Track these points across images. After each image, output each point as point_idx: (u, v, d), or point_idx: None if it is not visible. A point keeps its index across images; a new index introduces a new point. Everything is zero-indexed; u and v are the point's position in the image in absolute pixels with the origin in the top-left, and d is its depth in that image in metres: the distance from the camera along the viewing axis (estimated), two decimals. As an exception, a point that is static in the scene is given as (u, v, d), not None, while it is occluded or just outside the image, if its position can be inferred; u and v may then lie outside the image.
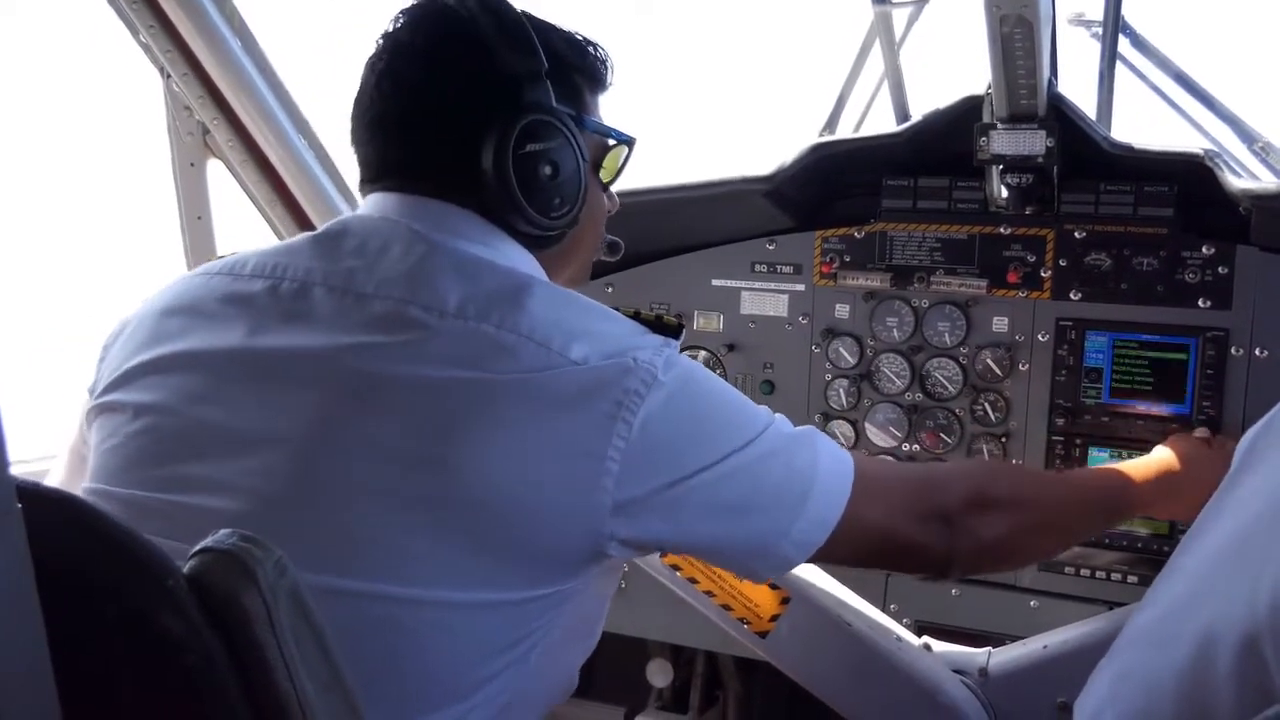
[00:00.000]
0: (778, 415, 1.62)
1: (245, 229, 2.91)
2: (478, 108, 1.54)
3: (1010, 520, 1.78)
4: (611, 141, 1.74)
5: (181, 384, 1.50)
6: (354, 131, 1.66)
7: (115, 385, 1.55)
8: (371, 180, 1.65)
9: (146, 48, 2.62)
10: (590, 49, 1.69)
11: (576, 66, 1.66)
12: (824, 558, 1.63)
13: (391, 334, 1.42)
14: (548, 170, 1.57)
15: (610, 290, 2.98)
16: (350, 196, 2.80)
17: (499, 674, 1.46)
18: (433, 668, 1.41)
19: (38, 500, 0.98)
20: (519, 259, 1.59)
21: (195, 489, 1.40)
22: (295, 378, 1.44)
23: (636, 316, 1.53)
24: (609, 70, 1.72)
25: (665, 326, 1.52)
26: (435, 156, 1.59)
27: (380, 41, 1.63)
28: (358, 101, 1.64)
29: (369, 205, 1.63)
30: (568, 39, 1.66)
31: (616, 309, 1.53)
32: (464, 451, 1.35)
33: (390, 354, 1.41)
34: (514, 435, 1.36)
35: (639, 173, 2.81)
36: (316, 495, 1.39)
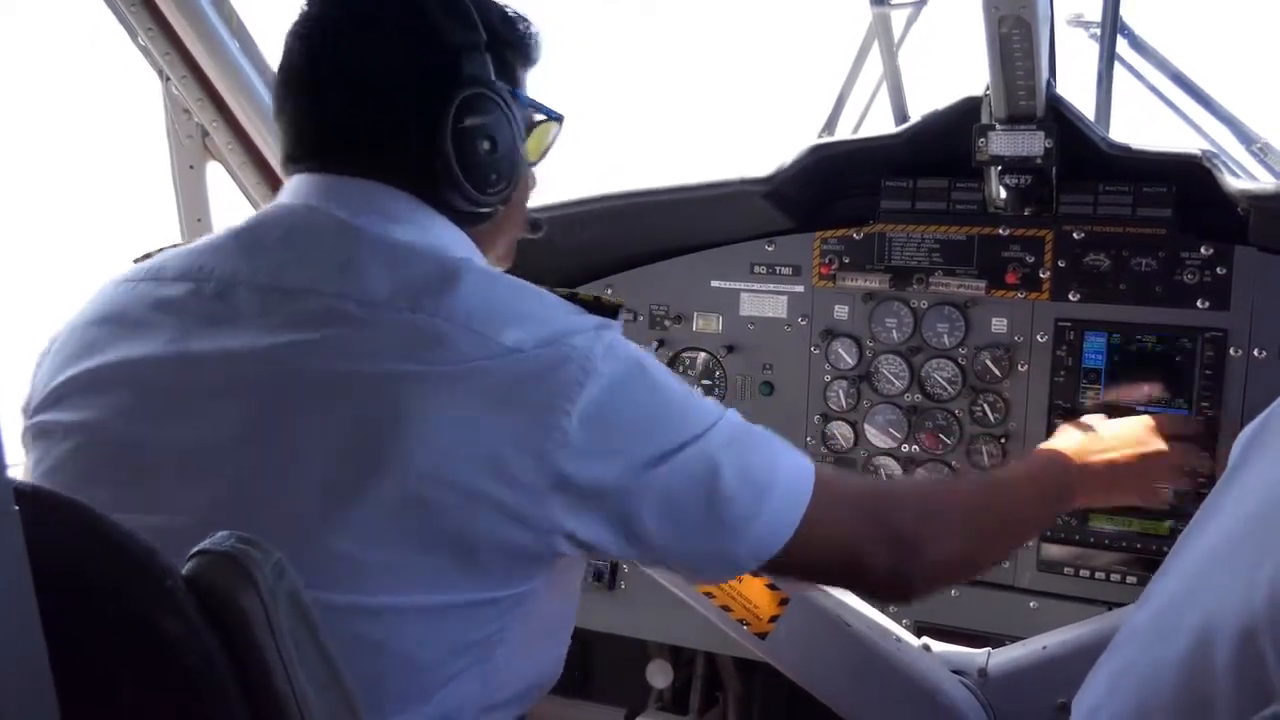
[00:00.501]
0: (729, 410, 1.58)
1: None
2: (414, 80, 1.51)
3: (961, 535, 1.76)
4: (540, 118, 1.71)
5: (111, 400, 1.45)
6: (277, 105, 1.59)
7: (45, 405, 1.51)
8: (295, 159, 1.59)
9: (145, 50, 2.62)
10: (522, 24, 1.65)
11: (510, 41, 1.62)
12: (776, 569, 1.59)
13: (323, 329, 1.38)
14: (486, 145, 1.53)
15: (610, 291, 2.98)
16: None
17: (460, 674, 1.43)
18: (388, 671, 1.38)
19: (36, 502, 0.98)
20: (450, 238, 1.55)
21: (135, 508, 1.32)
22: (226, 383, 1.40)
23: (573, 298, 1.50)
24: (538, 46, 1.68)
25: (603, 307, 1.49)
26: (364, 132, 1.54)
27: (306, 7, 1.58)
28: (281, 71, 1.58)
29: (291, 190, 1.57)
30: (501, 12, 1.63)
31: (552, 290, 1.51)
32: (404, 447, 1.32)
33: (324, 351, 1.37)
34: (453, 429, 1.33)
35: (639, 174, 2.82)
36: (256, 505, 1.35)
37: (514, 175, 1.60)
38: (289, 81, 1.58)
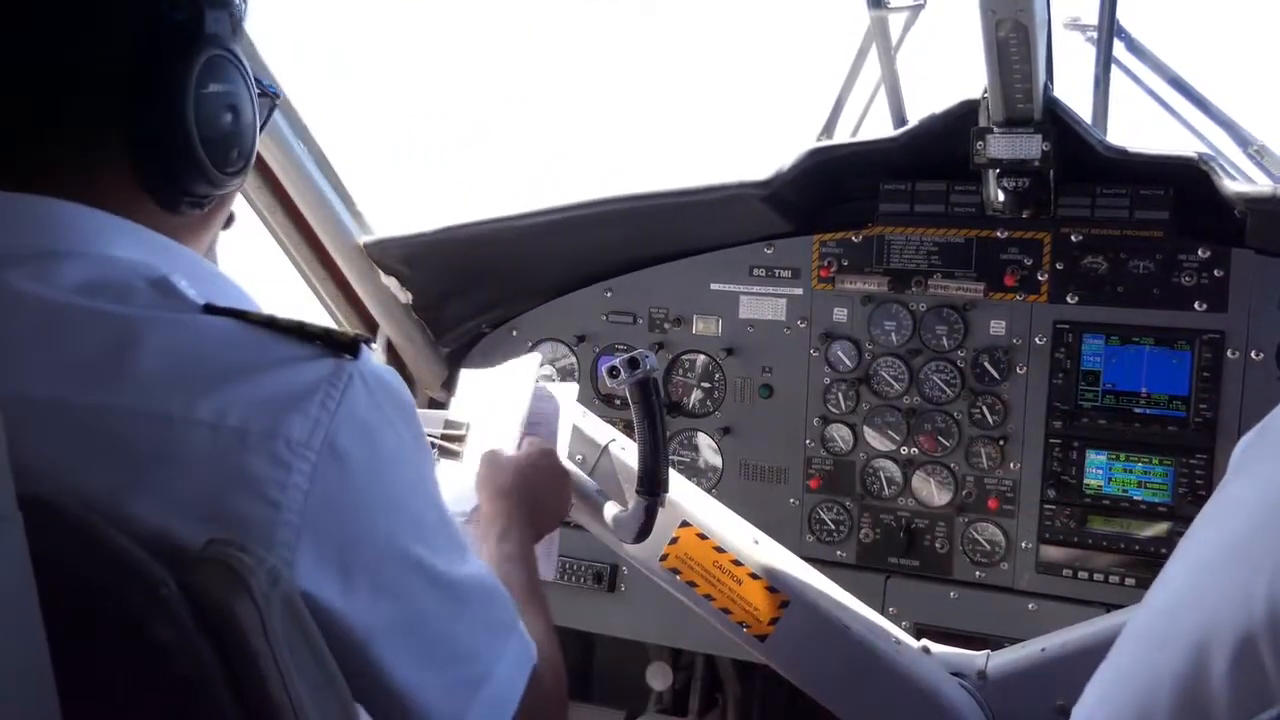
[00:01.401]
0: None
1: (247, 235, 2.91)
2: (147, 38, 1.25)
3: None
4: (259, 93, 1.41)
5: None
6: None
7: None
8: None
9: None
10: None
11: (227, 3, 1.35)
12: None
13: None
14: (229, 117, 1.30)
15: (609, 295, 2.99)
16: (352, 202, 2.80)
17: None
18: None
19: (36, 508, 0.98)
20: (140, 245, 1.25)
21: None
22: None
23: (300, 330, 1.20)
24: (244, 15, 1.41)
25: (337, 342, 1.19)
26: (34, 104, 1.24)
27: None
28: None
29: None
30: None
31: (275, 320, 1.19)
32: None
33: None
34: None
35: (638, 176, 2.83)
36: None
37: (251, 154, 1.36)
38: None
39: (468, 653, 1.30)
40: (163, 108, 1.24)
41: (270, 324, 1.17)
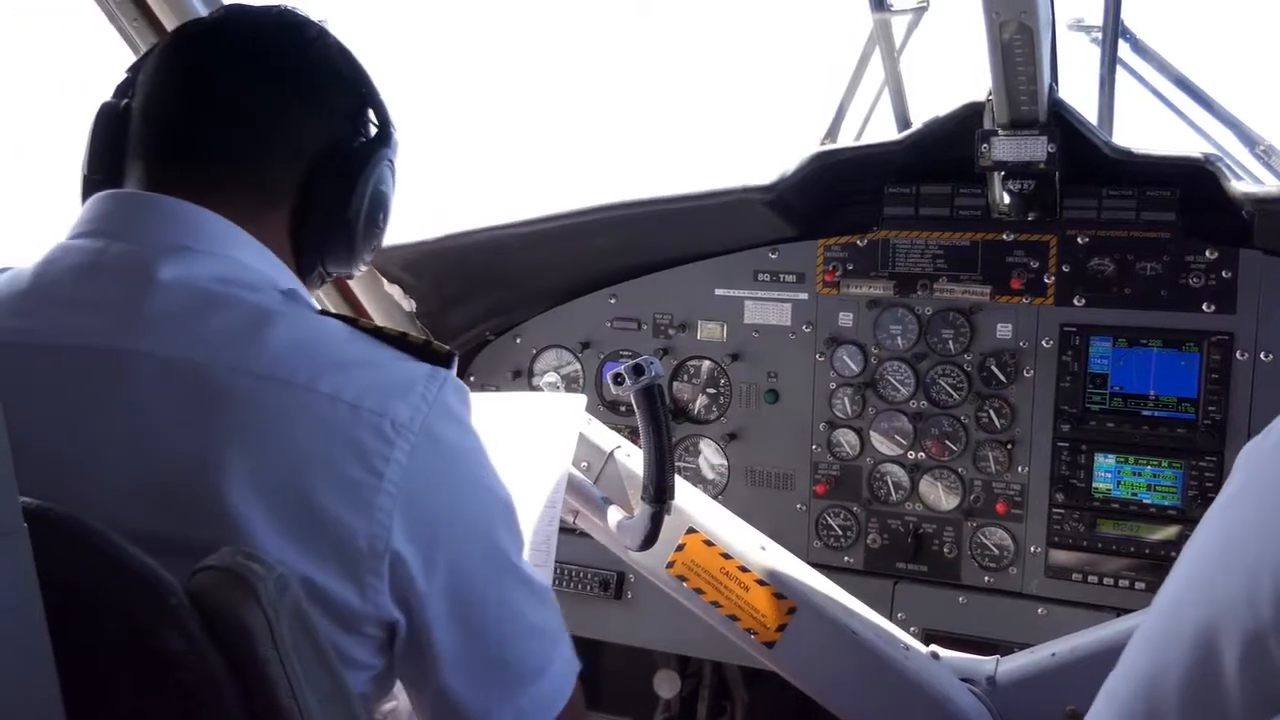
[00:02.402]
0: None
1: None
2: (354, 132, 1.51)
3: None
4: None
5: None
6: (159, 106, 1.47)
7: None
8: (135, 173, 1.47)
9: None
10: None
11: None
12: None
13: None
14: (382, 216, 1.57)
15: (614, 301, 2.98)
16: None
17: None
18: None
19: (42, 520, 0.98)
20: (267, 261, 1.45)
21: None
22: None
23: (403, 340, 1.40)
24: None
25: (434, 352, 1.40)
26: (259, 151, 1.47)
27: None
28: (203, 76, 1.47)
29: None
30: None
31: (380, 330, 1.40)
32: None
33: None
34: None
35: (643, 183, 2.82)
36: None
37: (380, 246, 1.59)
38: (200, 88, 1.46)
39: (527, 649, 1.42)
40: (345, 192, 1.45)
41: (377, 331, 1.38)
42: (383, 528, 1.26)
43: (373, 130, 1.52)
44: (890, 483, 2.81)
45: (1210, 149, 2.76)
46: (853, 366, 2.79)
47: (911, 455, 2.78)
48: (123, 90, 1.51)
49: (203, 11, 2.26)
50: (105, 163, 1.48)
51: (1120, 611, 2.53)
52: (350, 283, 2.86)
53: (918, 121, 2.65)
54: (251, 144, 1.43)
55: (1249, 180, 2.77)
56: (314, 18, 1.53)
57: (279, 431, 1.25)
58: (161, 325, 1.29)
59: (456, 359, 1.41)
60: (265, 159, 1.43)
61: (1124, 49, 3.06)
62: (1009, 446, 2.68)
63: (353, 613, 1.27)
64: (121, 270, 1.34)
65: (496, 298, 3.06)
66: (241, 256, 1.38)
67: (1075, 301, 2.59)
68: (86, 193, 1.47)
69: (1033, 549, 2.68)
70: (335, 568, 1.25)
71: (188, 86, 1.45)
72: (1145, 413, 2.55)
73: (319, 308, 1.43)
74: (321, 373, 1.28)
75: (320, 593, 1.24)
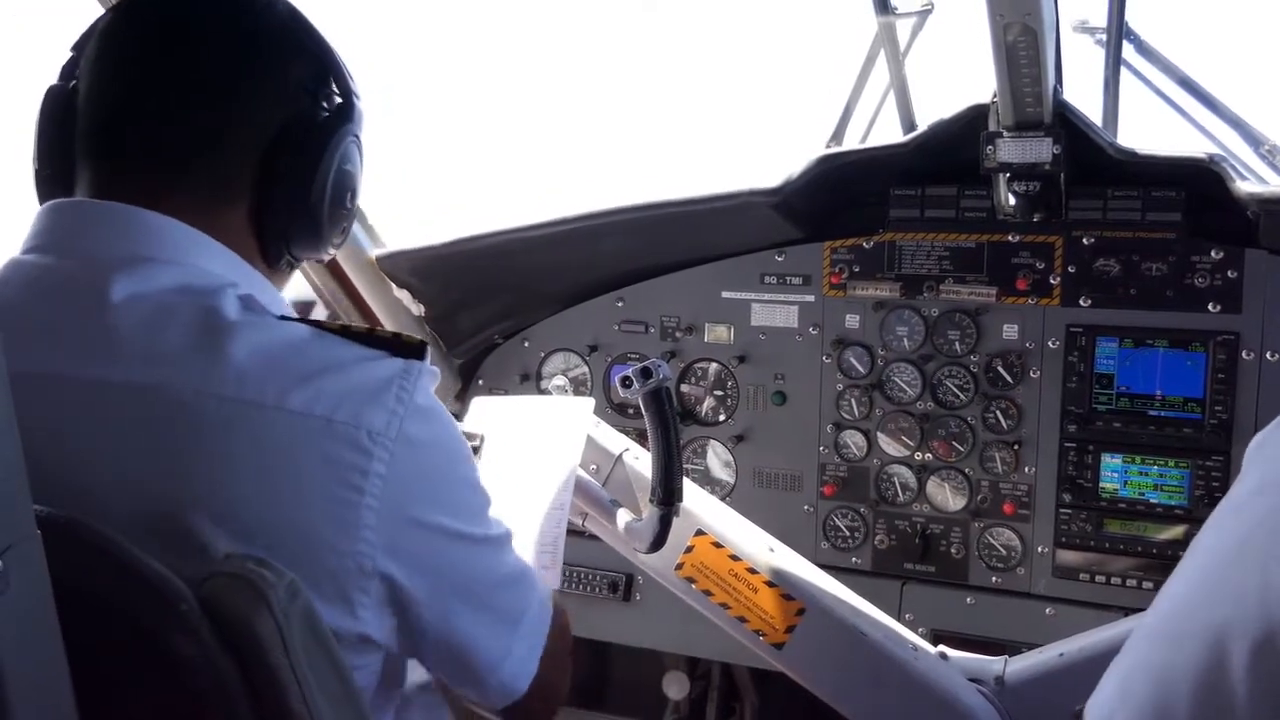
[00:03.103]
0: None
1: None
2: (309, 112, 1.42)
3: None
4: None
5: None
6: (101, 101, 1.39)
7: None
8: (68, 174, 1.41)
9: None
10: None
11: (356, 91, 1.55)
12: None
13: None
14: (349, 197, 1.50)
15: (621, 304, 2.99)
16: (364, 216, 2.81)
17: None
18: None
19: (55, 527, 0.99)
20: (228, 264, 1.39)
21: None
22: None
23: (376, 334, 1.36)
24: None
25: (406, 345, 1.35)
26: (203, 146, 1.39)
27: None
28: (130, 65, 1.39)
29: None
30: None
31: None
32: None
33: None
34: None
35: (648, 186, 2.83)
36: None
37: (348, 233, 1.53)
38: (138, 79, 1.38)
39: (506, 600, 1.47)
40: (307, 173, 1.37)
41: (344, 330, 1.32)
42: (369, 545, 1.25)
43: (336, 101, 1.42)
44: (898, 484, 2.81)
45: (1215, 149, 2.75)
46: (859, 368, 2.80)
47: (919, 456, 2.78)
48: (68, 72, 1.43)
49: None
50: (54, 156, 1.40)
51: (1128, 611, 2.53)
52: (359, 288, 2.87)
53: (923, 124, 2.65)
54: (202, 137, 1.35)
55: (1254, 180, 2.77)
56: None
57: (252, 458, 1.21)
58: (119, 349, 1.24)
59: (429, 349, 1.36)
60: (219, 152, 1.36)
61: (1128, 50, 3.05)
62: (1016, 447, 2.68)
63: (344, 630, 1.26)
64: (73, 291, 1.29)
65: (504, 301, 3.07)
66: (201, 262, 1.33)
67: (1081, 302, 2.59)
68: (40, 189, 1.42)
69: (1040, 549, 2.68)
70: (323, 588, 1.22)
71: (128, 74, 1.36)
72: (1152, 413, 2.56)
73: (279, 313, 1.35)
74: (289, 387, 1.23)
75: None
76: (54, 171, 1.40)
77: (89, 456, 1.21)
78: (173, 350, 1.24)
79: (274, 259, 1.43)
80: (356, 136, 1.44)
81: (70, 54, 1.44)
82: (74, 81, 1.40)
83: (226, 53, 1.36)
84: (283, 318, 1.33)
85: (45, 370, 1.23)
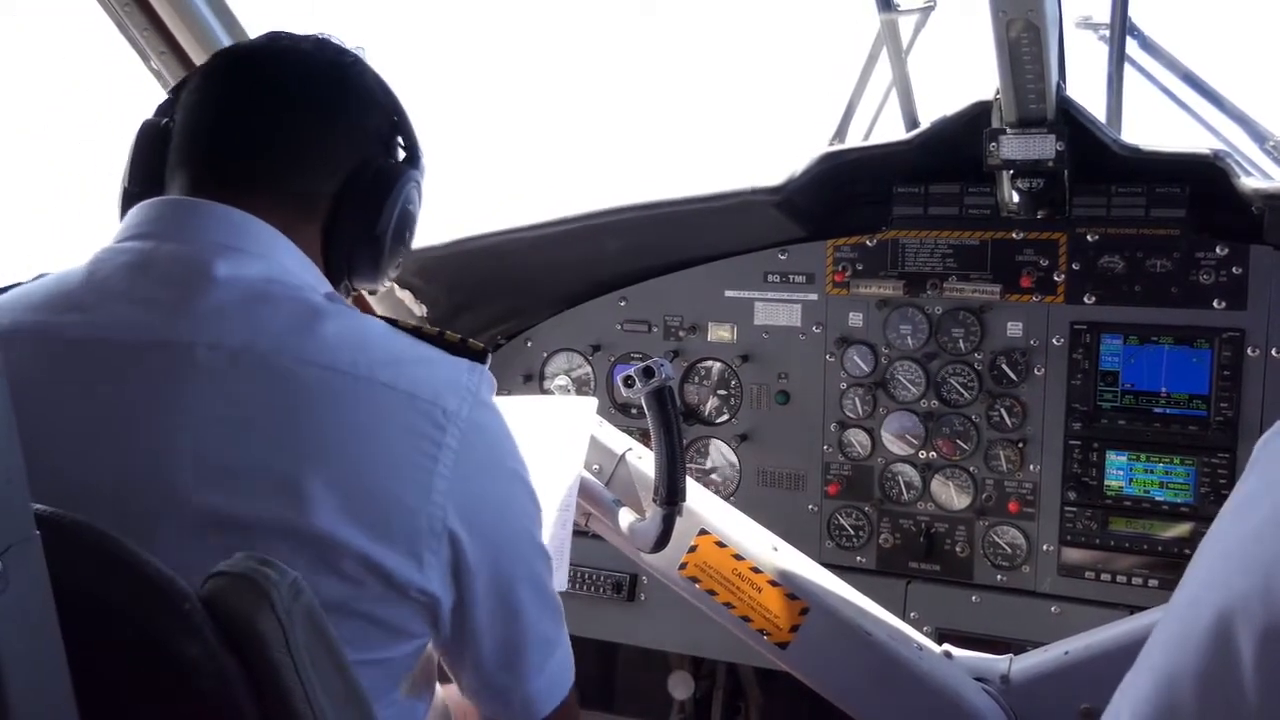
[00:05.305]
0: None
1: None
2: (382, 145, 1.58)
3: None
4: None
5: None
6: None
7: None
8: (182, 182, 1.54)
9: (158, 74, 2.63)
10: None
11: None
12: None
13: None
14: (408, 235, 1.64)
15: (623, 304, 2.99)
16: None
17: None
18: None
19: (55, 527, 0.99)
20: (307, 269, 1.53)
21: None
22: None
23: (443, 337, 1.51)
24: None
25: (471, 349, 1.51)
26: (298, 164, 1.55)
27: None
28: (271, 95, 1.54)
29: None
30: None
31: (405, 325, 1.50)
32: None
33: None
34: None
35: (648, 179, 2.82)
36: None
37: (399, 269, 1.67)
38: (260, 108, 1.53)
39: (548, 628, 1.56)
40: (375, 207, 1.53)
41: (416, 330, 1.48)
42: (439, 508, 1.36)
43: (402, 153, 1.59)
44: (902, 482, 2.81)
45: (1219, 145, 2.75)
46: (863, 366, 2.79)
47: (923, 455, 2.78)
48: (165, 110, 1.58)
49: (212, 19, 2.29)
50: (144, 176, 1.54)
51: (1133, 609, 2.53)
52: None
53: (926, 121, 2.65)
54: (291, 159, 1.49)
55: (1259, 176, 2.76)
56: (350, 46, 1.62)
57: (346, 417, 1.34)
58: (222, 317, 1.35)
59: (490, 355, 1.51)
60: (304, 174, 1.50)
61: (1132, 46, 3.05)
62: (1020, 445, 2.68)
63: (411, 584, 1.35)
64: (175, 268, 1.40)
65: (507, 302, 3.07)
66: (285, 261, 1.45)
67: (1085, 299, 2.58)
68: (125, 205, 1.53)
69: (1045, 547, 2.68)
70: (397, 544, 1.33)
71: (232, 105, 1.51)
72: (1157, 410, 2.55)
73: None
74: (376, 365, 1.37)
75: (380, 567, 1.32)
76: (142, 190, 1.52)
77: (182, 412, 1.31)
78: (274, 326, 1.36)
79: (334, 284, 1.56)
80: (418, 182, 1.60)
81: (169, 95, 1.60)
82: (168, 120, 1.55)
83: (319, 95, 1.52)
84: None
85: (144, 337, 1.34)
